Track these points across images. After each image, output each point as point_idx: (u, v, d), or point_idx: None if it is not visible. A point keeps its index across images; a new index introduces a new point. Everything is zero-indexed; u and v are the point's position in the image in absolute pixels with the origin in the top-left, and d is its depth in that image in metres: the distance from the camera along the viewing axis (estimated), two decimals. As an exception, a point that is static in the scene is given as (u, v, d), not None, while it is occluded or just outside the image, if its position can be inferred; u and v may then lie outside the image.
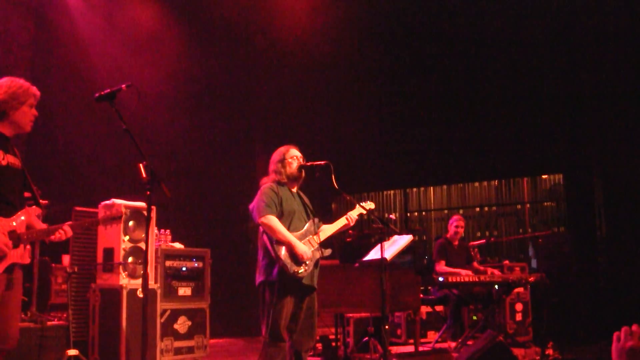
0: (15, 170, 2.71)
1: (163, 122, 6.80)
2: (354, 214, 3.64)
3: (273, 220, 3.34)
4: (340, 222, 3.62)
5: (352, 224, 3.63)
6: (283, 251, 3.30)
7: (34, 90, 2.78)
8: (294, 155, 3.56)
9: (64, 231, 2.78)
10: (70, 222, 2.85)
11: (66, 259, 5.05)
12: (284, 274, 3.28)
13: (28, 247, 2.72)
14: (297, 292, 3.38)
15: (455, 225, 5.74)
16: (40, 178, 3.48)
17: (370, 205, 3.70)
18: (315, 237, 3.47)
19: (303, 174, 3.56)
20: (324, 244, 3.51)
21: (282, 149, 3.59)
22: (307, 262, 3.35)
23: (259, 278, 3.40)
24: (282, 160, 3.53)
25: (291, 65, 7.54)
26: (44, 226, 2.80)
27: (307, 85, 7.66)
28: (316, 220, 3.57)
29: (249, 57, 7.60)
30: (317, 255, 3.45)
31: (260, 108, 7.86)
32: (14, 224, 2.64)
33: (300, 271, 3.31)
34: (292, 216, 3.44)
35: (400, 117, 7.71)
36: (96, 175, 6.04)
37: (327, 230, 3.56)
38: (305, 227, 3.48)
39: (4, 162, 2.66)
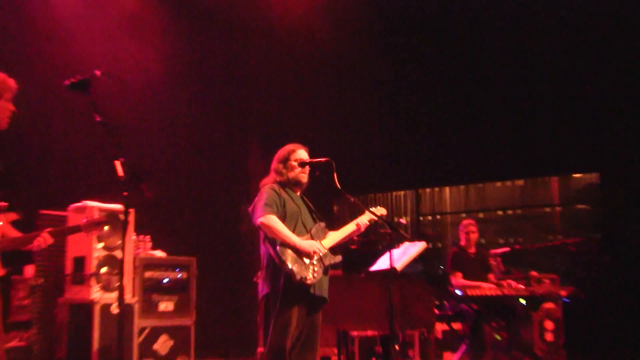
0: None
1: (144, 115, 6.79)
2: (364, 220, 3.65)
3: (273, 220, 3.35)
4: (349, 228, 3.62)
5: (361, 231, 3.66)
6: (288, 256, 3.31)
7: (11, 82, 2.77)
8: (299, 159, 3.58)
9: (43, 239, 2.77)
10: (49, 229, 2.84)
11: (29, 270, 5.02)
12: (291, 283, 3.29)
13: None
14: (305, 303, 3.38)
15: (466, 231, 5.72)
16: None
17: (381, 210, 3.70)
18: (322, 243, 3.47)
19: (306, 180, 3.58)
20: (332, 252, 3.50)
21: (288, 148, 3.62)
22: (316, 263, 3.37)
23: (264, 290, 3.41)
24: (286, 161, 3.56)
25: (291, 54, 7.53)
26: (18, 234, 2.79)
27: (308, 77, 7.66)
28: (322, 224, 3.60)
29: (243, 43, 7.60)
30: (327, 261, 3.45)
31: (257, 100, 7.86)
32: None
33: (308, 277, 3.31)
34: (296, 219, 3.46)
35: (411, 108, 7.69)
36: (65, 174, 6.02)
37: (335, 236, 3.57)
38: (311, 232, 3.49)
39: None
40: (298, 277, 3.28)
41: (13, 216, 2.93)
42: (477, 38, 7.15)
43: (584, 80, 6.84)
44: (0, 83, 2.75)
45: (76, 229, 3.11)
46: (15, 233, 2.82)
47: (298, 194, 3.61)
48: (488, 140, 7.44)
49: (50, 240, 2.77)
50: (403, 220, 4.25)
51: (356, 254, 5.02)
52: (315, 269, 3.36)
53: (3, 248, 2.70)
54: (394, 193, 8.81)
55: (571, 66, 6.82)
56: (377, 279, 4.34)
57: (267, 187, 3.51)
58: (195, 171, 7.43)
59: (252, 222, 3.45)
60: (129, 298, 4.69)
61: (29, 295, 4.77)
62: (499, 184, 8.32)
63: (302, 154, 3.60)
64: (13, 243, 2.75)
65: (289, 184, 3.55)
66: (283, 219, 3.41)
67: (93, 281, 4.48)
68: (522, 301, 5.34)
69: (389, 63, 7.49)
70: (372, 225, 3.74)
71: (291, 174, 3.54)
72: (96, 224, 2.99)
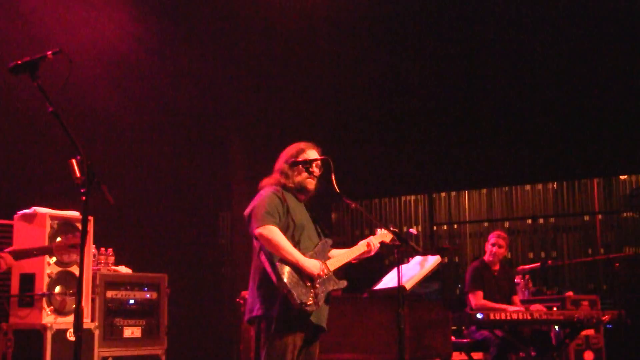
0: None
1: (107, 105, 6.79)
2: (376, 241, 3.68)
3: (274, 232, 3.37)
4: (358, 250, 3.66)
5: (372, 254, 3.70)
6: (288, 275, 3.32)
7: None
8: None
9: (3, 259, 2.74)
10: (11, 248, 2.82)
11: None
12: (288, 307, 3.31)
13: None
14: (303, 332, 3.41)
15: (493, 243, 5.74)
16: None
17: (388, 236, 3.72)
18: (327, 263, 3.49)
19: (313, 187, 3.60)
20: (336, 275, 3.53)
21: (296, 147, 3.65)
22: (318, 287, 3.40)
23: (254, 312, 3.42)
24: (290, 163, 3.58)
25: (290, 48, 7.53)
26: None
27: (303, 64, 7.67)
28: (329, 241, 3.63)
29: (225, 21, 7.61)
30: (330, 286, 3.47)
31: (241, 90, 7.86)
32: None
33: (309, 303, 3.33)
34: (300, 233, 3.49)
35: (424, 99, 7.72)
36: (10, 175, 6.01)
37: (341, 257, 3.59)
38: (315, 249, 3.51)
39: None
40: (298, 301, 3.29)
41: None
42: (505, 31, 7.17)
43: (632, 67, 6.87)
44: None
45: (46, 251, 3.08)
46: None
47: (302, 201, 3.63)
48: (515, 136, 7.46)
49: (10, 262, 2.74)
50: (414, 230, 4.27)
51: (358, 270, 5.03)
52: (318, 293, 3.39)
53: None
54: (404, 198, 8.84)
55: (618, 53, 6.85)
56: (383, 300, 4.36)
57: (269, 190, 3.52)
58: (167, 173, 7.42)
59: (249, 230, 3.47)
60: (88, 323, 4.69)
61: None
62: (528, 187, 8.34)
63: (313, 155, 3.62)
64: None
65: (294, 190, 3.57)
66: (285, 230, 3.43)
67: (44, 303, 4.47)
68: (556, 327, 5.35)
69: (399, 57, 7.53)
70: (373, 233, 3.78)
71: (298, 178, 3.57)
72: (70, 246, 2.96)
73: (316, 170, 3.61)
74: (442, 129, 7.73)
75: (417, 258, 4.47)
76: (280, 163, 3.62)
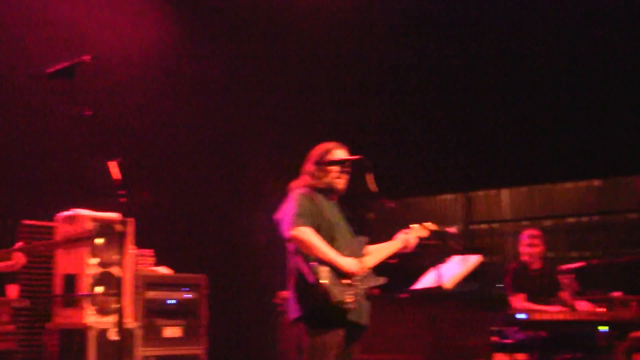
0: None
1: (141, 107, 6.87)
2: (412, 237, 3.67)
3: (308, 233, 3.38)
4: (394, 246, 3.66)
5: (408, 250, 3.69)
6: (324, 274, 3.33)
7: None
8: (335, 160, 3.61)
9: (16, 258, 2.78)
10: (20, 244, 2.86)
11: (12, 291, 5.09)
12: (326, 306, 3.31)
13: None
14: (343, 331, 3.42)
15: (527, 244, 5.66)
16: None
17: (430, 226, 3.69)
18: (363, 260, 3.49)
19: (343, 187, 3.59)
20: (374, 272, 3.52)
21: (323, 147, 3.64)
22: (357, 285, 3.40)
23: (294, 313, 3.45)
24: (321, 163, 3.58)
25: (323, 47, 7.52)
26: None
27: (334, 61, 7.65)
28: (364, 239, 3.62)
29: (266, 30, 7.62)
30: (369, 283, 3.48)
31: (276, 90, 7.88)
32: None
33: (348, 301, 3.34)
34: (335, 232, 3.49)
35: (459, 93, 7.59)
36: (50, 178, 6.10)
37: (377, 254, 3.59)
38: (351, 247, 3.51)
39: None
40: (335, 299, 3.30)
41: None
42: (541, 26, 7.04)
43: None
44: None
45: (53, 246, 3.12)
46: None
47: (334, 201, 3.63)
48: (556, 131, 7.28)
49: (22, 260, 2.79)
50: (453, 229, 4.20)
51: (396, 269, 4.98)
52: (356, 291, 3.38)
53: None
54: (440, 196, 8.72)
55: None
56: (419, 300, 4.29)
57: (299, 193, 3.53)
58: (203, 175, 7.46)
59: (282, 233, 3.47)
60: (129, 322, 4.73)
61: (12, 319, 4.86)
62: (570, 184, 8.15)
63: (341, 154, 3.61)
64: None
65: (324, 190, 3.57)
66: (318, 230, 3.42)
67: (87, 303, 4.52)
68: (604, 328, 5.21)
69: (435, 56, 7.45)
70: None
71: (327, 179, 3.56)
72: (76, 239, 2.99)
73: (344, 170, 3.58)
74: (480, 128, 7.60)
75: (457, 257, 4.40)
76: (309, 164, 3.62)
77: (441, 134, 7.84)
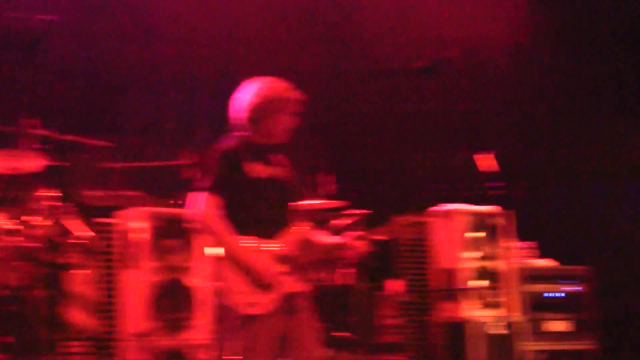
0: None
1: (509, 100, 6.64)
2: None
3: None
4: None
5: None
6: None
7: (294, 94, 2.84)
8: None
9: (356, 247, 2.83)
10: (359, 231, 2.85)
11: (392, 285, 5.16)
12: None
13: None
14: None
15: None
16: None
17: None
18: None
19: None
20: None
21: None
22: None
23: None
24: None
25: None
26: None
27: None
28: None
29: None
30: None
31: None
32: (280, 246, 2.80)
33: None
34: None
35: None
36: (420, 174, 6.26)
37: None
38: None
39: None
40: None
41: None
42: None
43: None
44: (281, 96, 2.83)
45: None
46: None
47: None
48: None
49: (362, 247, 2.76)
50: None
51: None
52: None
53: (309, 260, 2.82)
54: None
55: None
56: None
57: None
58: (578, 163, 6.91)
59: None
60: (514, 316, 4.66)
61: (399, 313, 5.10)
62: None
63: None
64: (314, 253, 2.83)
65: None
66: None
67: (465, 297, 4.57)
68: None
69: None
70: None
71: None
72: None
73: None
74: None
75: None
76: None
77: None
